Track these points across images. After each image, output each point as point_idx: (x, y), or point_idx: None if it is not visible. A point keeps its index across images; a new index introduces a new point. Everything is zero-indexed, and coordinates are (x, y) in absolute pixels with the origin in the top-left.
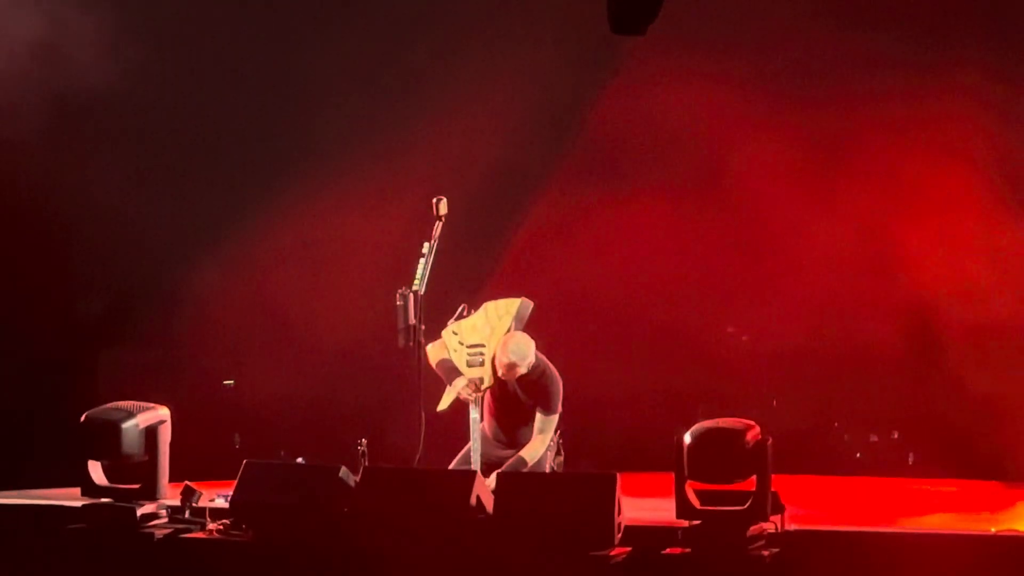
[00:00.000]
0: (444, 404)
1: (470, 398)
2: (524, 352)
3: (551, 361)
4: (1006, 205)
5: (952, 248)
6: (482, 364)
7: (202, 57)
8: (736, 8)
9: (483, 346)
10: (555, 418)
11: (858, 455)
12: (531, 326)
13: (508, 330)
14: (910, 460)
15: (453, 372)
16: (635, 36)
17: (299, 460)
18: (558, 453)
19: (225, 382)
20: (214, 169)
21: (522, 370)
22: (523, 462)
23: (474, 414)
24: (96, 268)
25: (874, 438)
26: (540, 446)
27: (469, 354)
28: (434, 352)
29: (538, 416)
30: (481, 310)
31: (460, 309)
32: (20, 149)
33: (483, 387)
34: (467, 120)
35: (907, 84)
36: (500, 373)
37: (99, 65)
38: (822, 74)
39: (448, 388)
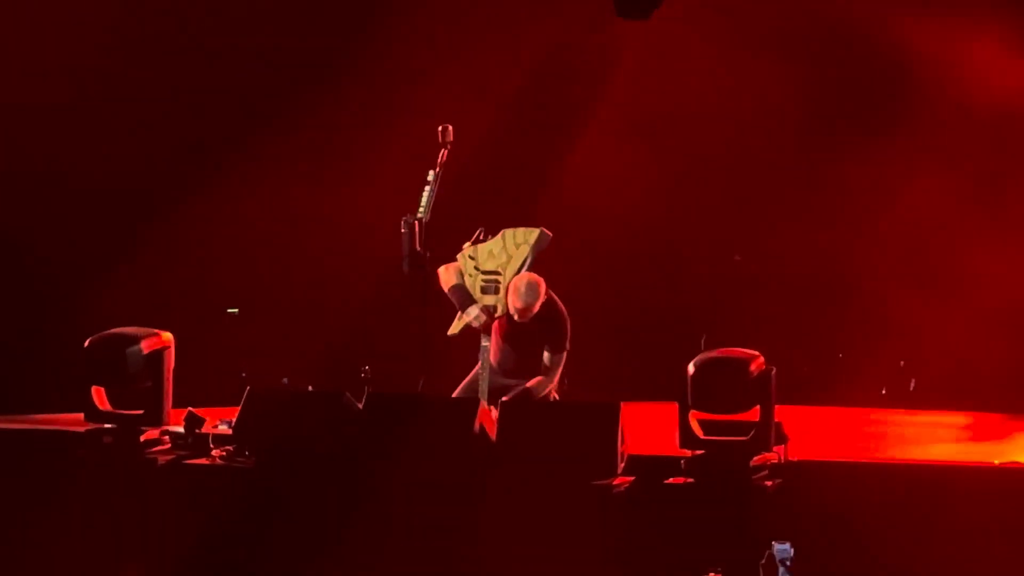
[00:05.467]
0: (454, 329)
1: (481, 325)
2: (536, 295)
3: (557, 292)
4: None
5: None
6: (496, 292)
7: None
8: None
9: (499, 274)
10: (563, 357)
11: (883, 391)
12: (539, 255)
13: (525, 260)
14: (911, 386)
15: (466, 298)
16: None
17: (309, 388)
18: (562, 382)
19: (229, 310)
20: (220, 92)
21: (534, 311)
22: (528, 395)
23: (485, 342)
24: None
25: None
26: (546, 384)
27: (484, 280)
28: (446, 275)
29: (546, 355)
30: (499, 236)
31: (477, 233)
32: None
33: (496, 315)
34: (480, 47)
35: None
36: (515, 317)
37: None
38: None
39: (459, 314)
